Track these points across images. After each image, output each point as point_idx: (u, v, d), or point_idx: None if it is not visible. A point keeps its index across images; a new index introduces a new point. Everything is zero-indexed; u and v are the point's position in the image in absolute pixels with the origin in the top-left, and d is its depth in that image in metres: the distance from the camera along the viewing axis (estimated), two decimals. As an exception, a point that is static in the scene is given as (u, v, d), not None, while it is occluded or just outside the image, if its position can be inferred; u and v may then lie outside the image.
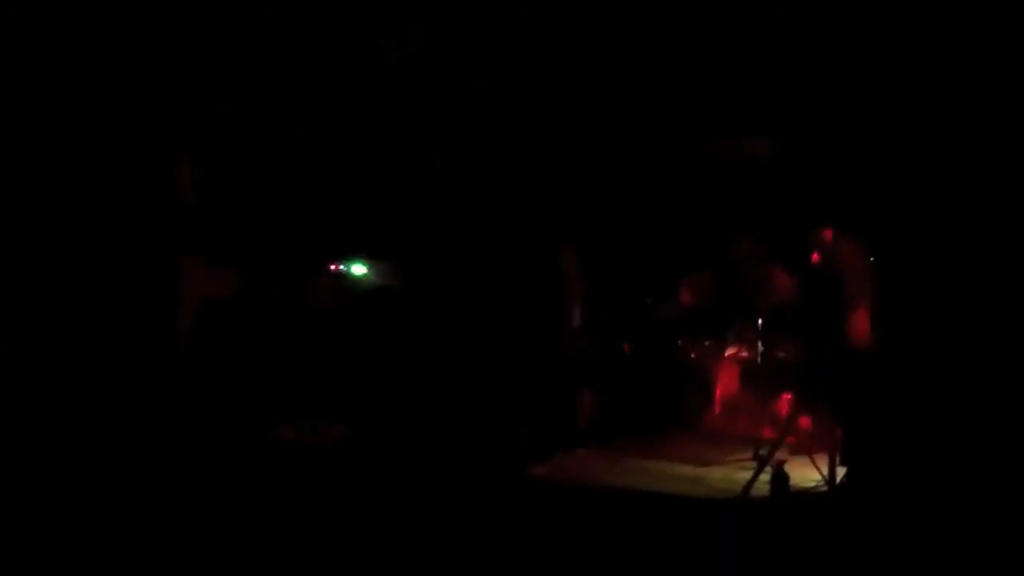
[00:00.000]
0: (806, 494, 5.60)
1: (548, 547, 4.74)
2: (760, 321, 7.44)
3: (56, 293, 6.42)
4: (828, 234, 6.76)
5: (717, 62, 7.16)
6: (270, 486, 5.50)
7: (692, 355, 7.85)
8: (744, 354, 7.72)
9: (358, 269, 8.10)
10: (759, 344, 7.48)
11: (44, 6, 6.18)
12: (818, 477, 5.67)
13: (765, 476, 5.62)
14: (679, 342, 7.92)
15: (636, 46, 7.15)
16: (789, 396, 7.20)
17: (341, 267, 8.06)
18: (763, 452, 5.97)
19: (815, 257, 6.79)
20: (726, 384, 7.73)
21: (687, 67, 7.28)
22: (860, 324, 6.61)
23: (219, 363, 6.97)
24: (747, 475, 5.75)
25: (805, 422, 6.66)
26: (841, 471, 5.57)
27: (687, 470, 6.43)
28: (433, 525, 4.97)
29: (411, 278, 7.82)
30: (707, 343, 7.83)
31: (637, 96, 7.84)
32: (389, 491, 5.52)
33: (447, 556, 4.60)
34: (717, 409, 7.63)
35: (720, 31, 6.70)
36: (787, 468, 5.62)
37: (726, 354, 7.81)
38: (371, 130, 7.87)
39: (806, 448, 6.11)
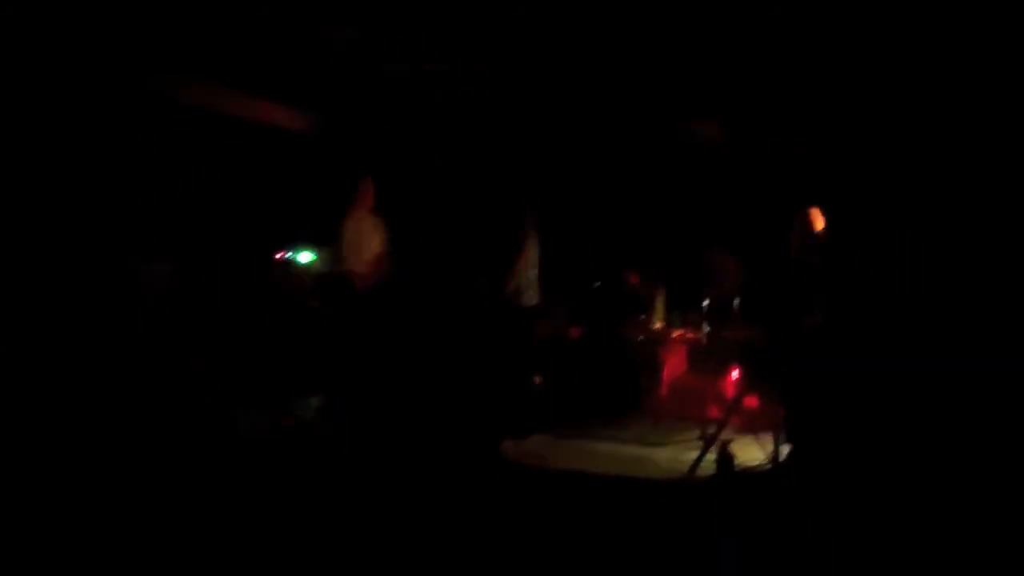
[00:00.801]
0: (751, 473, 5.68)
1: (499, 528, 4.77)
2: (706, 303, 7.54)
3: (10, 288, 6.30)
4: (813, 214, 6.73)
5: (680, 51, 7.20)
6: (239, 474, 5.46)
7: (640, 338, 7.91)
8: (691, 336, 7.82)
9: (305, 256, 8.04)
10: (705, 326, 7.58)
11: None
12: (762, 456, 5.76)
13: (711, 456, 5.69)
14: (627, 325, 7.98)
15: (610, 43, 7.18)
16: (735, 377, 7.31)
17: (288, 255, 8.00)
18: (709, 432, 6.04)
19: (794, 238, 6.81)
20: (673, 366, 7.81)
21: (653, 55, 7.32)
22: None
23: (176, 351, 6.87)
24: (694, 455, 5.81)
25: (751, 402, 6.76)
26: (785, 450, 5.66)
27: (634, 451, 6.50)
28: (385, 511, 4.98)
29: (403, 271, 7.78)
30: (655, 326, 7.91)
31: (601, 86, 7.89)
32: (342, 478, 5.51)
33: (403, 539, 4.61)
34: (664, 391, 7.70)
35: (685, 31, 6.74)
36: (732, 448, 5.70)
37: (673, 336, 7.89)
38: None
39: (751, 427, 6.21)
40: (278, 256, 7.96)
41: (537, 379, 8.04)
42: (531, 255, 7.44)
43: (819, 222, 6.47)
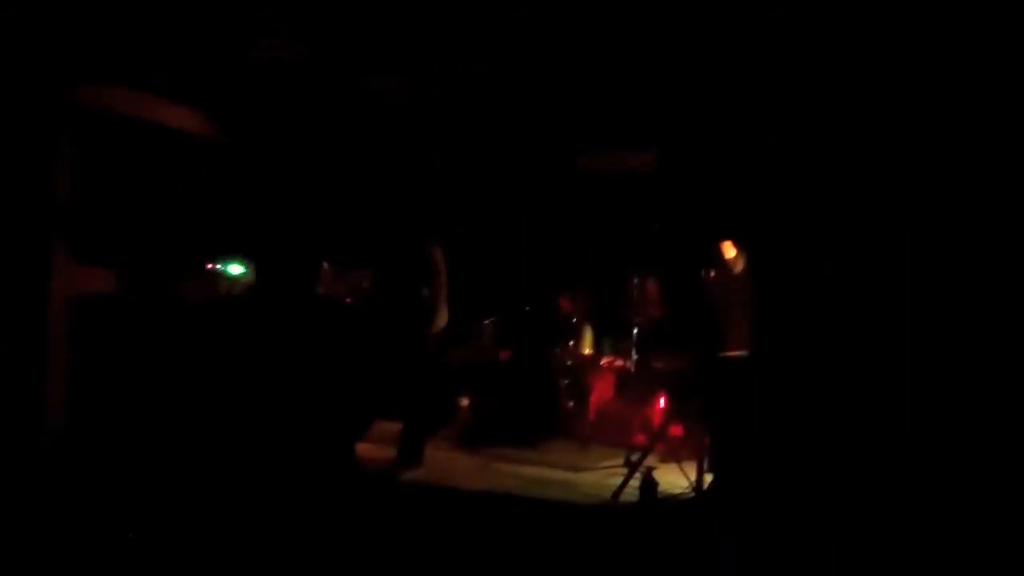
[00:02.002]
0: (673, 500, 5.70)
1: (414, 551, 4.70)
2: (635, 331, 7.58)
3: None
4: (726, 246, 6.79)
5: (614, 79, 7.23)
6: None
7: (568, 363, 7.93)
8: (619, 363, 7.85)
9: (235, 268, 7.90)
10: (633, 353, 7.62)
11: None
12: (686, 483, 5.79)
13: (635, 482, 5.70)
14: (555, 350, 7.99)
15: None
16: (661, 404, 7.36)
17: (217, 266, 7.85)
18: (634, 458, 6.06)
19: (711, 272, 6.86)
20: (601, 392, 7.83)
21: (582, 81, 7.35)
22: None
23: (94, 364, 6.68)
24: (618, 481, 5.83)
25: (676, 430, 6.80)
26: (708, 478, 5.70)
27: (559, 475, 6.50)
28: (296, 529, 4.87)
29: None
30: (583, 351, 7.92)
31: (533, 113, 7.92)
32: (257, 494, 5.39)
33: (308, 561, 4.51)
34: (592, 416, 7.71)
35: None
36: (656, 474, 5.72)
37: (602, 363, 7.92)
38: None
39: (676, 455, 6.25)
40: (208, 267, 7.80)
41: (464, 402, 8.01)
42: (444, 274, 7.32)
43: (729, 253, 6.59)
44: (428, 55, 6.98)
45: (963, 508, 4.55)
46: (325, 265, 7.15)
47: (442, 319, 6.57)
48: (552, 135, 8.18)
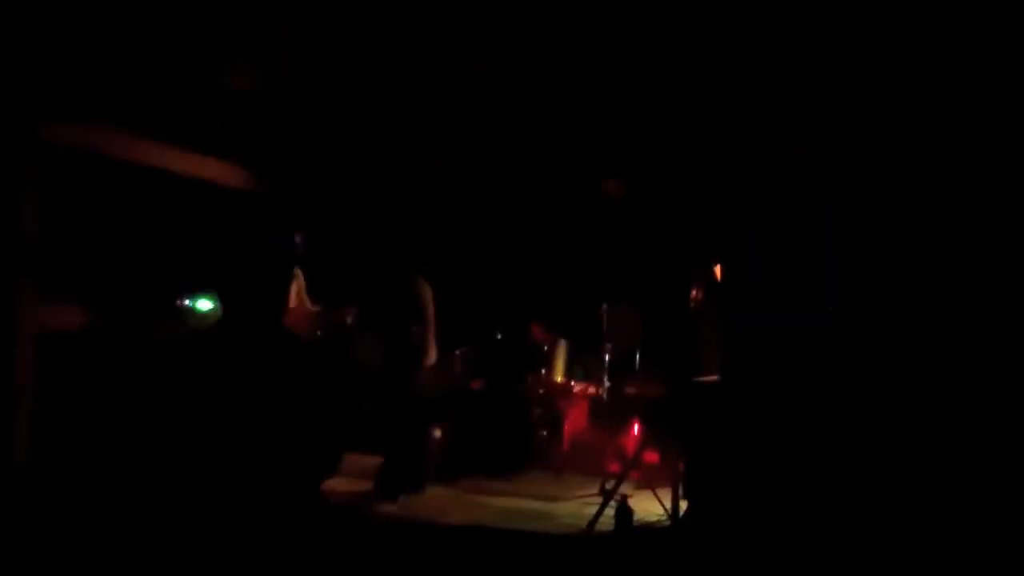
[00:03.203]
0: (649, 528, 5.67)
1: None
2: (608, 358, 7.56)
3: None
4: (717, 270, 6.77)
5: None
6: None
7: (541, 391, 7.89)
8: (592, 390, 7.82)
9: (204, 304, 7.81)
10: (606, 380, 7.59)
11: None
12: (661, 511, 5.76)
13: (610, 510, 5.67)
14: (528, 379, 7.95)
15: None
16: (636, 432, 7.33)
17: (186, 302, 7.76)
18: (608, 487, 6.02)
19: (695, 293, 6.85)
20: (574, 421, 7.80)
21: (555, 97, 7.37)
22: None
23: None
24: (593, 510, 5.80)
25: (651, 457, 6.77)
26: (684, 505, 5.67)
27: (534, 506, 6.45)
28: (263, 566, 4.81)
29: None
30: (556, 379, 7.88)
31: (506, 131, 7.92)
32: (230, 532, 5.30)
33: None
34: (566, 445, 7.67)
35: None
36: (631, 502, 5.69)
37: (574, 391, 7.89)
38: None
39: (650, 483, 6.22)
40: (177, 303, 7.71)
41: (437, 432, 7.93)
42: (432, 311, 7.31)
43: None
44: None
45: (942, 528, 4.55)
46: (309, 304, 7.08)
47: (431, 357, 6.58)
48: (543, 142, 8.16)
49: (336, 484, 6.57)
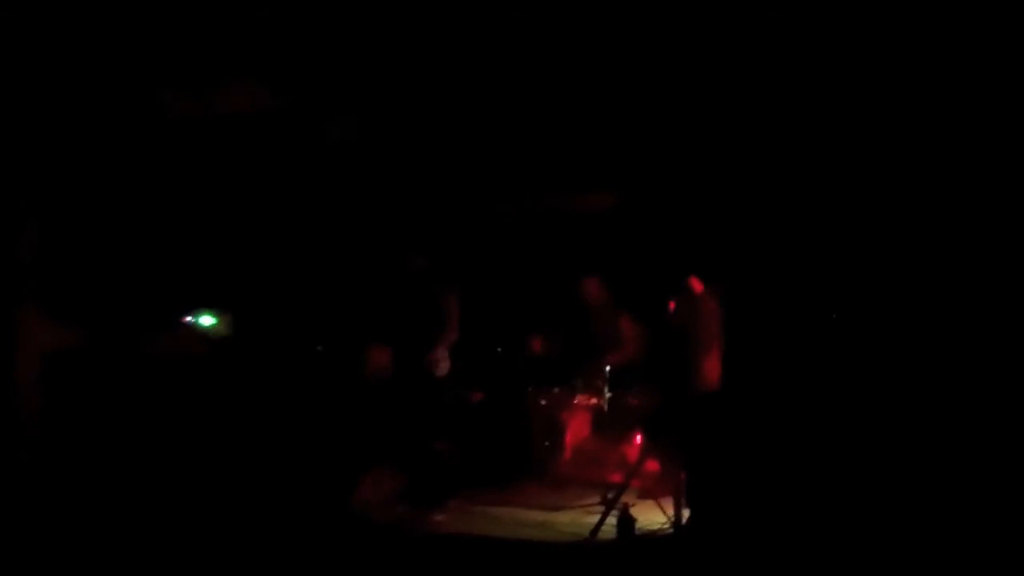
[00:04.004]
0: (651, 536, 5.66)
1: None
2: (608, 368, 7.56)
3: None
4: (693, 282, 6.80)
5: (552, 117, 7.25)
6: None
7: (542, 402, 7.88)
8: (593, 401, 7.82)
9: (207, 320, 7.84)
10: (607, 391, 7.60)
11: None
12: (663, 520, 5.75)
13: (612, 519, 5.67)
14: (529, 390, 7.95)
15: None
16: (637, 441, 7.33)
17: (189, 319, 7.79)
18: (610, 496, 6.02)
19: (671, 305, 6.89)
20: (576, 431, 7.80)
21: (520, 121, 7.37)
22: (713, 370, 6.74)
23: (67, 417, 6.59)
24: (595, 519, 5.80)
25: (652, 466, 6.77)
26: (686, 513, 5.67)
27: (536, 516, 6.44)
28: None
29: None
30: (556, 391, 7.88)
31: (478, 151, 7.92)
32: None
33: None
34: (567, 455, 7.66)
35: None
36: (633, 511, 5.69)
37: (575, 401, 7.88)
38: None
39: (652, 491, 6.22)
40: (183, 320, 7.74)
41: (439, 445, 7.93)
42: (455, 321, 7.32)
43: (697, 287, 6.63)
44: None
45: (943, 536, 4.56)
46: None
47: (444, 367, 6.61)
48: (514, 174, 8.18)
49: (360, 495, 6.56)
